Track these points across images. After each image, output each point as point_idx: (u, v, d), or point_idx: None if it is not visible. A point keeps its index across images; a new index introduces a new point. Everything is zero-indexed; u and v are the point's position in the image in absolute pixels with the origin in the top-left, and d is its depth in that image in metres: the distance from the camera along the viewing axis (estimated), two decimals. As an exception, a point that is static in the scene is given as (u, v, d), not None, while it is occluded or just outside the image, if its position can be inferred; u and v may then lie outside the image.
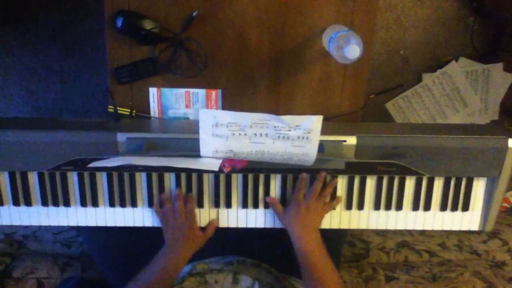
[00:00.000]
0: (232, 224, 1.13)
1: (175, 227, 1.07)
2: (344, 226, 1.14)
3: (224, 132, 0.95)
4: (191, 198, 1.10)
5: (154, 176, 1.09)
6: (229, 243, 1.18)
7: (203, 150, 0.98)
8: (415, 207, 1.13)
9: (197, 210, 1.12)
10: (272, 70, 1.12)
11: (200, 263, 1.11)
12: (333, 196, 1.12)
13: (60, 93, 1.73)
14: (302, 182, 1.08)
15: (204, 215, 1.12)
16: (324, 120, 0.93)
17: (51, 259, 1.33)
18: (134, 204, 1.10)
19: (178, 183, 1.09)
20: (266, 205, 1.12)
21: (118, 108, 1.11)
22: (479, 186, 1.13)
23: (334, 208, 1.12)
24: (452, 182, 1.12)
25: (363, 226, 1.15)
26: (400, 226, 1.15)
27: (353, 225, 1.14)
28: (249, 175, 1.09)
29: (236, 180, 1.10)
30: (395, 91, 1.74)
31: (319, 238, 1.05)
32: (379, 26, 1.68)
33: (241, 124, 0.94)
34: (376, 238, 1.48)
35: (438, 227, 1.15)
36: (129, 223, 1.12)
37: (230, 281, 1.03)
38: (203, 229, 1.12)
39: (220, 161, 0.99)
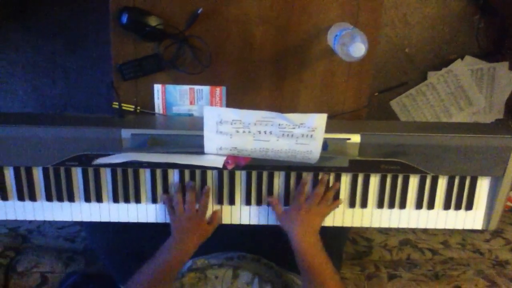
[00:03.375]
0: (235, 221, 1.13)
1: (184, 219, 1.07)
2: (347, 224, 1.14)
3: (228, 130, 0.95)
4: (208, 191, 1.09)
5: (158, 172, 1.09)
6: (231, 239, 1.19)
7: (207, 147, 0.99)
8: (419, 205, 1.13)
9: (200, 207, 1.12)
10: (276, 67, 1.12)
11: (200, 258, 1.11)
12: (336, 196, 1.12)
13: (65, 88, 1.73)
14: (303, 186, 1.09)
15: (208, 212, 1.12)
16: (328, 117, 0.93)
17: (55, 254, 1.33)
18: (138, 200, 1.11)
19: (182, 179, 1.10)
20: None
21: (122, 104, 1.11)
22: (483, 185, 1.12)
23: (338, 207, 1.12)
24: (456, 181, 1.11)
25: (366, 224, 1.15)
26: (403, 225, 1.15)
27: (356, 223, 1.15)
28: (253, 172, 1.10)
29: (240, 177, 1.10)
30: (399, 89, 1.74)
31: (318, 240, 1.05)
32: (384, 23, 1.68)
33: (245, 121, 0.94)
34: (378, 236, 1.48)
35: (441, 225, 1.15)
36: (133, 219, 1.13)
37: (230, 276, 1.04)
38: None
39: (224, 158, 0.99)
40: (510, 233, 1.50)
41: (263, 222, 1.14)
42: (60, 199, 1.10)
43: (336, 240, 1.27)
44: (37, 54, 1.69)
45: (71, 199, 1.10)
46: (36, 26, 1.66)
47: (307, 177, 1.09)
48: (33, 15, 1.65)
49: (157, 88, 1.12)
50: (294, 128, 0.94)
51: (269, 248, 1.18)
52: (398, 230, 1.49)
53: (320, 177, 1.09)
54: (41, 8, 1.64)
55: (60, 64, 1.71)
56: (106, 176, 1.09)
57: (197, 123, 1.01)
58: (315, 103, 1.16)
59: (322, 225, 1.13)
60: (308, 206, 1.07)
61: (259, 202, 1.12)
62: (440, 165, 1.06)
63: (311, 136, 0.95)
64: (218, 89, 1.13)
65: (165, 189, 1.11)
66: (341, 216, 1.14)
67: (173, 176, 1.10)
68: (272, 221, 1.14)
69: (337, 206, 1.12)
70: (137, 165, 1.06)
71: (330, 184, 1.11)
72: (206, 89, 1.13)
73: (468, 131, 1.06)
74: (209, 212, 1.12)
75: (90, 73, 1.72)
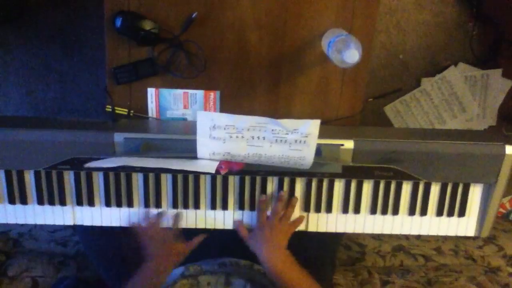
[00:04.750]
0: (228, 226, 1.13)
1: (157, 243, 1.07)
2: (340, 229, 1.14)
3: (222, 135, 0.95)
4: (177, 216, 1.10)
5: (151, 176, 1.09)
6: (224, 245, 1.18)
7: (200, 152, 0.98)
8: (412, 212, 1.13)
9: (193, 211, 1.12)
10: (271, 72, 1.12)
11: (193, 265, 1.11)
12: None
13: (59, 92, 1.73)
14: (262, 205, 1.09)
15: (200, 217, 1.12)
16: (322, 123, 0.93)
17: (47, 258, 1.32)
18: (130, 204, 1.10)
19: (174, 184, 1.09)
20: (263, 208, 1.12)
21: (116, 108, 1.10)
22: (475, 192, 1.13)
23: (301, 223, 1.12)
24: (449, 188, 1.12)
25: (359, 230, 1.15)
26: (396, 231, 1.15)
27: (349, 229, 1.14)
28: (246, 177, 1.09)
29: (233, 182, 1.10)
30: (393, 95, 1.74)
31: (288, 256, 1.05)
32: (379, 30, 1.69)
33: (238, 127, 0.94)
34: (372, 242, 1.48)
35: (434, 232, 1.15)
36: (125, 223, 1.12)
37: (222, 283, 1.03)
38: (191, 233, 1.11)
39: (217, 163, 0.99)
40: (503, 240, 1.51)
41: (256, 227, 1.13)
42: (51, 202, 1.09)
43: (329, 246, 1.27)
44: (32, 57, 1.69)
45: (62, 203, 1.09)
46: (32, 30, 1.66)
47: (265, 195, 1.10)
48: (29, 18, 1.64)
49: (151, 92, 1.12)
50: (287, 134, 0.94)
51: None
52: (391, 236, 1.49)
53: (279, 193, 1.09)
54: (37, 12, 1.64)
55: (55, 68, 1.70)
56: (98, 180, 1.09)
57: (191, 128, 1.01)
58: (309, 109, 1.16)
59: (316, 230, 1.13)
60: (270, 224, 1.07)
61: (252, 208, 1.12)
62: (433, 171, 1.07)
63: (304, 142, 0.95)
64: (212, 94, 1.13)
65: (158, 198, 1.10)
66: (334, 222, 1.14)
67: (166, 180, 1.09)
68: (265, 226, 1.13)
69: (300, 223, 1.11)
70: (129, 169, 1.05)
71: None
72: (200, 93, 1.13)
73: (461, 138, 1.07)
74: (201, 221, 1.11)
75: (84, 77, 1.72)
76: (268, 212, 1.11)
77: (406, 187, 1.12)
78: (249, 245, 1.09)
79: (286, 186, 1.10)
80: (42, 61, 1.69)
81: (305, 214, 1.12)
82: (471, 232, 1.16)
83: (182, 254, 1.08)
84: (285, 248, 1.06)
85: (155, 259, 1.05)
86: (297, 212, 1.12)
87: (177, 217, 1.11)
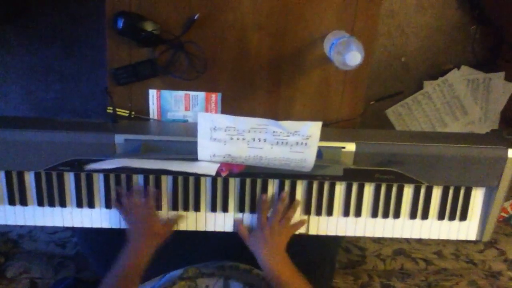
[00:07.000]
0: (228, 229, 1.13)
1: (135, 223, 1.06)
2: (341, 232, 1.14)
3: (222, 136, 0.94)
4: (152, 194, 1.08)
5: (151, 178, 1.08)
6: (224, 248, 1.18)
7: (201, 154, 0.98)
8: (413, 215, 1.13)
9: (193, 214, 1.11)
10: (272, 74, 1.12)
11: (192, 267, 1.10)
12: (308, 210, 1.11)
13: (59, 92, 1.73)
14: (264, 205, 1.08)
15: (201, 219, 1.12)
16: (323, 125, 0.92)
17: (46, 259, 1.32)
18: (130, 206, 1.10)
19: (175, 186, 1.09)
20: (263, 210, 1.11)
21: (116, 109, 1.10)
22: (477, 196, 1.12)
23: (303, 225, 1.11)
24: (451, 191, 1.11)
25: (359, 233, 1.14)
26: (397, 234, 1.15)
27: (350, 232, 1.14)
28: (247, 179, 1.09)
29: (234, 184, 1.10)
30: (395, 98, 1.74)
31: (286, 258, 1.04)
32: (381, 32, 1.68)
33: (239, 128, 0.93)
34: (372, 245, 1.48)
35: (435, 236, 1.15)
36: (125, 225, 1.11)
37: (221, 286, 1.03)
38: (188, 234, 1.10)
39: (218, 165, 0.98)
40: (504, 244, 1.50)
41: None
42: (51, 204, 1.09)
43: (329, 248, 1.27)
44: (32, 57, 1.69)
45: (62, 204, 1.09)
46: (32, 30, 1.65)
47: (266, 196, 1.09)
48: (30, 18, 1.64)
49: (152, 93, 1.11)
50: (288, 135, 0.93)
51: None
52: (392, 240, 1.49)
53: (280, 194, 1.09)
54: (38, 12, 1.64)
55: (55, 68, 1.70)
56: (98, 181, 1.08)
57: (192, 129, 1.00)
58: (310, 111, 1.15)
59: (317, 233, 1.12)
60: (271, 225, 1.07)
61: (252, 210, 1.11)
62: (434, 175, 1.06)
63: (306, 144, 0.94)
64: (213, 95, 1.12)
65: (158, 200, 1.09)
66: (335, 225, 1.13)
67: (167, 182, 1.09)
68: (265, 229, 1.13)
69: (301, 226, 1.11)
70: (130, 171, 1.05)
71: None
72: (201, 95, 1.12)
73: (463, 141, 1.06)
74: (202, 223, 1.11)
75: (85, 78, 1.72)
76: (269, 214, 1.10)
77: (408, 191, 1.11)
78: (248, 246, 1.09)
79: (287, 189, 1.10)
80: (42, 61, 1.69)
81: (305, 217, 1.12)
82: (472, 236, 1.16)
83: (161, 236, 1.06)
84: (283, 250, 1.06)
85: (134, 240, 1.04)
86: (297, 215, 1.11)
87: (152, 197, 1.08)
